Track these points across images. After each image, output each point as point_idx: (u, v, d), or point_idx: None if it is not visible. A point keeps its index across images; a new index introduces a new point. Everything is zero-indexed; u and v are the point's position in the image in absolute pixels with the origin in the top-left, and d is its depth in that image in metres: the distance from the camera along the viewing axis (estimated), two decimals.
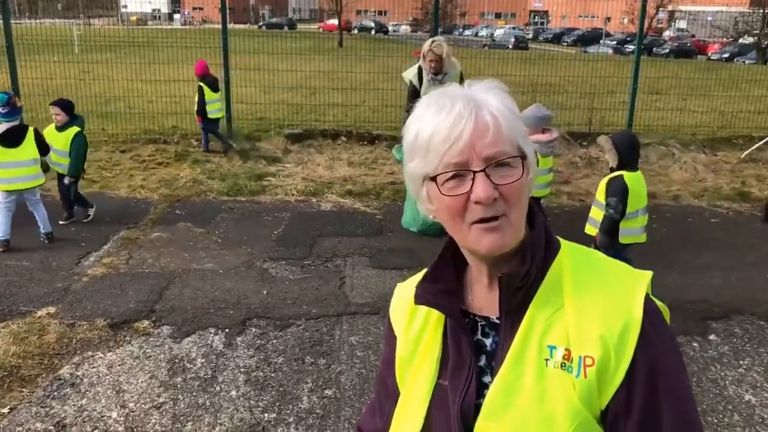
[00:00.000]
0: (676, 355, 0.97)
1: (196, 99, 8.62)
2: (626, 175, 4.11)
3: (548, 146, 5.21)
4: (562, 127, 9.06)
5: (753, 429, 3.31)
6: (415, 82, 5.72)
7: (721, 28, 33.01)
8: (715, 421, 3.37)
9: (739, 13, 33.15)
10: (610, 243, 4.16)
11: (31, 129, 5.60)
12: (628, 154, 4.15)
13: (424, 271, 1.10)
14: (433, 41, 5.63)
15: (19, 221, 5.60)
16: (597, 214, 4.29)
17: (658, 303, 0.99)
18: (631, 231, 4.24)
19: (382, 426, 1.16)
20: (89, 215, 6.24)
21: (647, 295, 0.97)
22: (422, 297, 1.05)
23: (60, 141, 5.94)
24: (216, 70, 9.33)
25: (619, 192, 4.07)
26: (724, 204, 7.39)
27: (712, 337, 4.27)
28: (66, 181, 6.02)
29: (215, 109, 8.69)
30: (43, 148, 5.68)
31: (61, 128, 5.98)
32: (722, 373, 3.83)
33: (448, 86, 1.02)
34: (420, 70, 5.70)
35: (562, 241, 1.05)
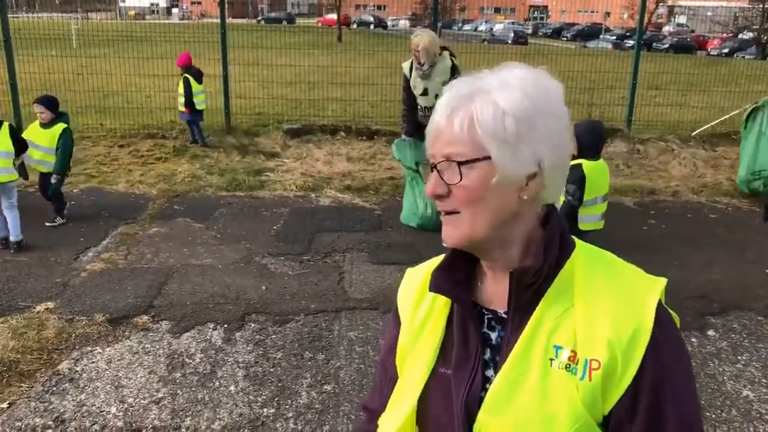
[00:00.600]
0: (685, 363, 0.95)
1: (181, 91, 8.54)
2: (585, 163, 4.19)
3: None
4: None
5: (751, 424, 3.32)
6: (407, 72, 5.81)
7: (721, 24, 33.03)
8: (713, 416, 3.38)
9: (739, 8, 33.16)
10: (569, 229, 4.22)
11: (6, 124, 5.43)
12: (589, 143, 4.22)
13: (440, 257, 1.09)
14: (416, 33, 5.69)
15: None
16: None
17: (670, 312, 0.98)
18: (590, 218, 4.35)
19: (381, 406, 1.16)
20: (55, 222, 5.92)
21: (660, 302, 0.95)
22: (436, 285, 1.05)
23: (45, 138, 5.76)
24: (215, 64, 9.31)
25: (577, 180, 4.16)
26: (723, 200, 7.39)
27: (710, 332, 4.28)
28: (53, 179, 5.83)
29: (201, 100, 8.66)
30: (19, 145, 5.49)
31: (46, 125, 5.79)
32: (720, 369, 3.84)
33: (469, 76, 1.00)
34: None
35: (577, 241, 1.04)
